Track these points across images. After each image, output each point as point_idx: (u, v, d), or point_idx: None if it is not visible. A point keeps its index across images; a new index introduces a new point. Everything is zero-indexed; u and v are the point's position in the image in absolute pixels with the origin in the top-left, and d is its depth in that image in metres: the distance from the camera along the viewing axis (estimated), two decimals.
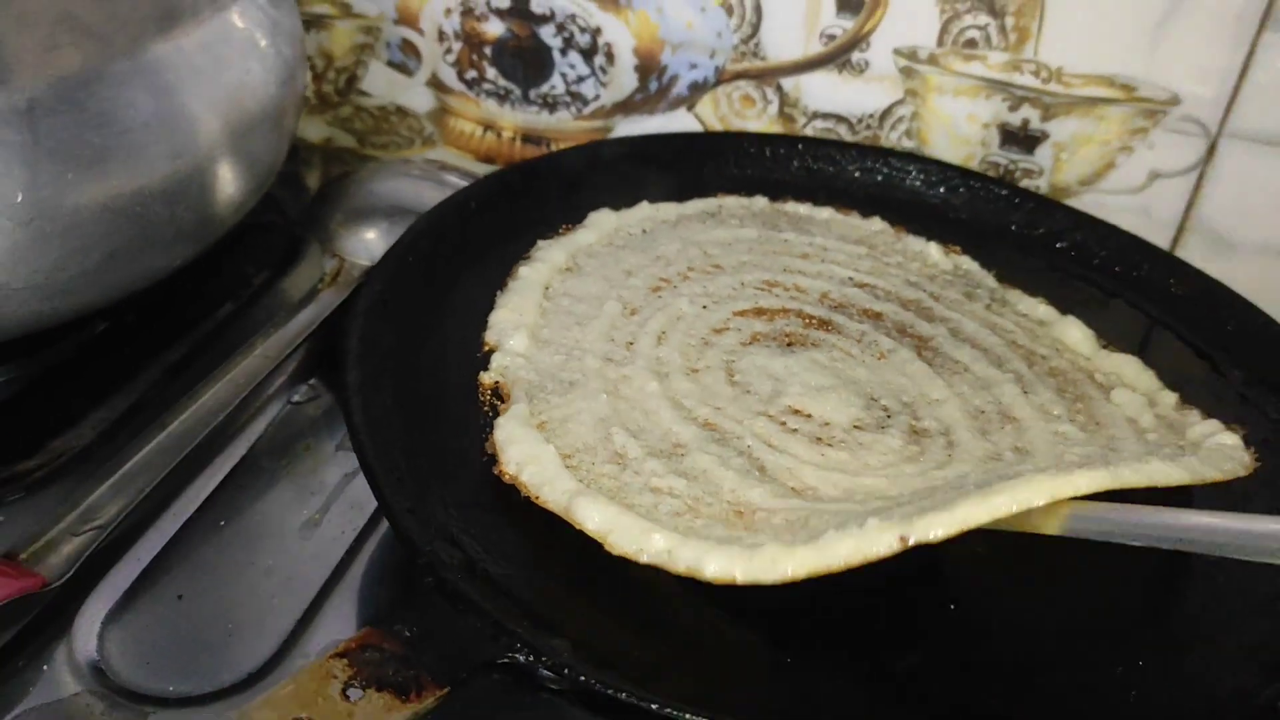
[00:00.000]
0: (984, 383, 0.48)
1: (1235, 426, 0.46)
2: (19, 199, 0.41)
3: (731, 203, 0.61)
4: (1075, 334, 0.53)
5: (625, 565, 0.38)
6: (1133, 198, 0.64)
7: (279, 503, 0.47)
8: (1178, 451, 0.42)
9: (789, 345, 0.49)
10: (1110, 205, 0.64)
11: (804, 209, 0.61)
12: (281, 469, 0.49)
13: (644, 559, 0.38)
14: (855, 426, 0.44)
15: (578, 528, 0.39)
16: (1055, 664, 0.38)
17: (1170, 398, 0.49)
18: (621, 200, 0.59)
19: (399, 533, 0.38)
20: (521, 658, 0.34)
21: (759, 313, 0.51)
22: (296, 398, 0.53)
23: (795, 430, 0.44)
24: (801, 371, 0.47)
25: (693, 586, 0.37)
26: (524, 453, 0.42)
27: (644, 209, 0.59)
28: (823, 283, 0.54)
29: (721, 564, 0.37)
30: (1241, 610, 0.40)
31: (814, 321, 0.51)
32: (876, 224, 0.60)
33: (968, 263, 0.58)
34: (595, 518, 0.39)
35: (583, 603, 0.39)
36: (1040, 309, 0.55)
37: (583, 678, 0.34)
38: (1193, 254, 0.64)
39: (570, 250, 0.55)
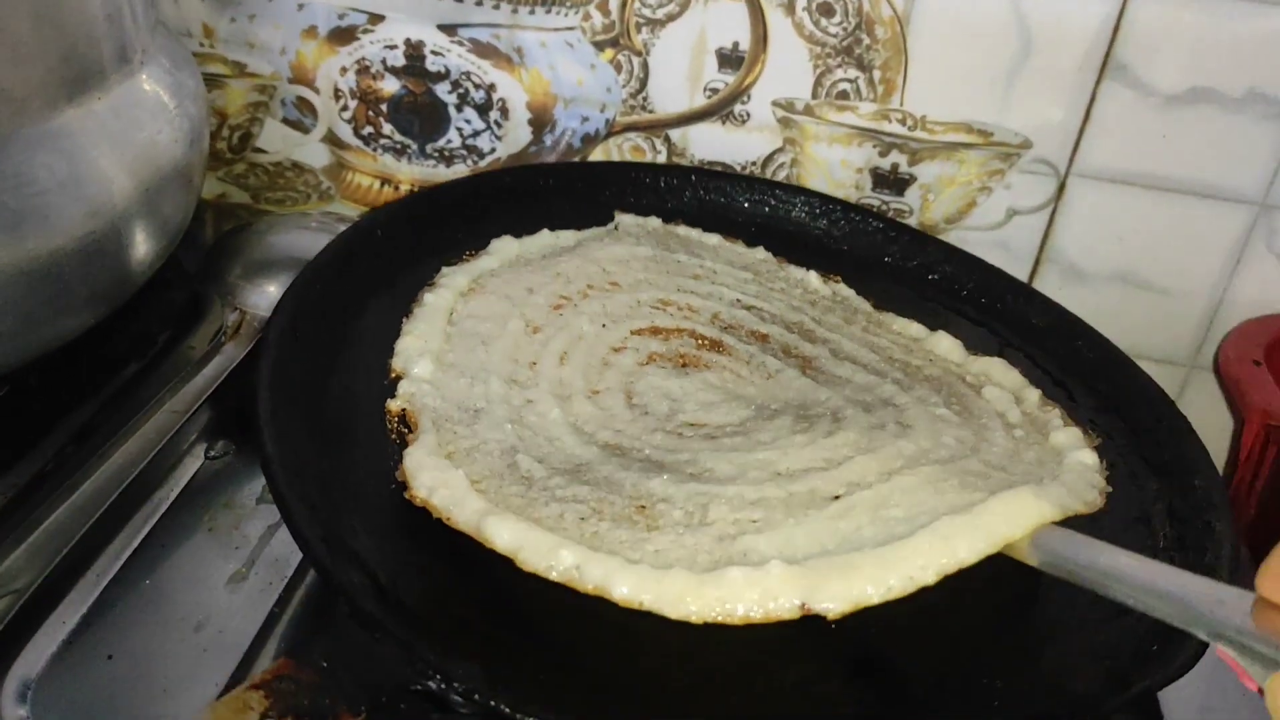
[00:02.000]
0: (865, 388, 0.51)
1: (1090, 435, 0.50)
2: None
3: (628, 220, 0.64)
4: (945, 344, 0.57)
5: (539, 589, 0.40)
6: (993, 233, 0.70)
7: (203, 558, 0.47)
8: (1042, 473, 0.45)
9: (683, 366, 0.52)
10: (973, 240, 0.70)
11: (694, 233, 0.64)
12: (203, 524, 0.49)
13: (554, 575, 0.39)
14: (743, 422, 0.48)
15: (489, 547, 0.40)
16: (930, 669, 0.41)
17: (1034, 394, 0.53)
18: (523, 227, 0.61)
19: (312, 560, 0.38)
20: (433, 684, 0.35)
21: (655, 332, 0.54)
22: (212, 453, 0.53)
23: (690, 437, 0.47)
24: (695, 392, 0.50)
25: (605, 606, 0.39)
26: (434, 478, 0.43)
27: (544, 236, 0.61)
28: (713, 303, 0.57)
29: (631, 588, 0.38)
30: (1094, 617, 0.42)
31: (706, 343, 0.54)
32: (760, 253, 0.64)
33: (845, 290, 0.62)
34: (505, 535, 0.40)
35: (496, 627, 0.39)
36: (913, 328, 0.59)
37: (493, 703, 0.34)
38: (1050, 283, 0.70)
39: (474, 275, 0.56)
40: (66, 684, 0.41)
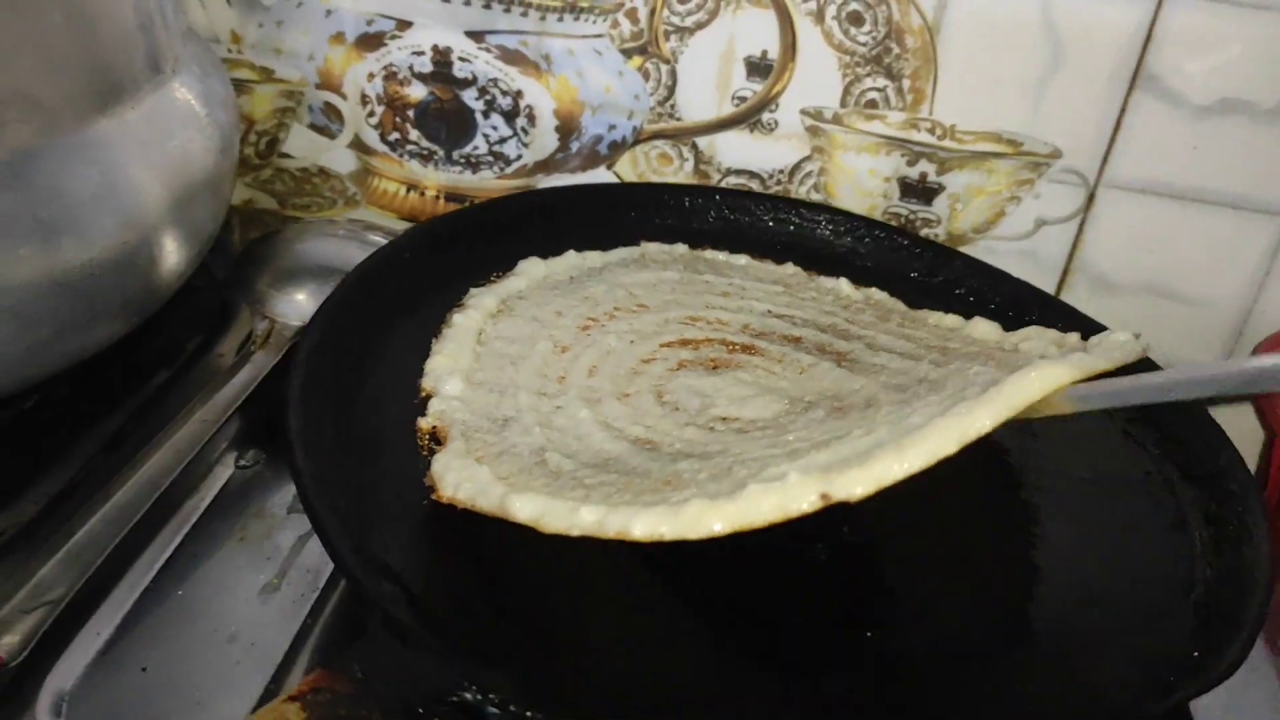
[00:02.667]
0: (901, 372, 0.50)
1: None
2: None
3: (654, 249, 0.64)
4: (983, 327, 0.56)
5: (573, 596, 0.40)
6: (1022, 243, 0.69)
7: (235, 569, 0.47)
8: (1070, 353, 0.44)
9: (714, 368, 0.52)
10: (1001, 250, 0.69)
11: (722, 255, 0.64)
12: (234, 535, 0.49)
13: (575, 532, 0.38)
14: (777, 417, 0.47)
15: (512, 521, 0.40)
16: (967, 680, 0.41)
17: (1073, 337, 0.52)
18: (548, 249, 0.61)
19: (345, 571, 0.38)
20: (469, 695, 0.35)
21: (684, 343, 0.54)
22: (243, 462, 0.53)
23: (722, 431, 0.46)
24: (727, 387, 0.50)
25: (642, 618, 0.40)
26: (460, 475, 0.43)
27: (571, 257, 0.61)
28: (743, 315, 0.56)
29: (649, 523, 0.37)
30: (1133, 624, 0.43)
31: (737, 347, 0.54)
32: (790, 268, 0.64)
33: (878, 294, 0.62)
34: (527, 509, 0.40)
35: (530, 636, 0.40)
36: (949, 319, 0.58)
37: (529, 713, 0.34)
38: (1078, 294, 0.69)
39: (502, 296, 0.57)
40: (101, 696, 0.41)
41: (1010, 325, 0.61)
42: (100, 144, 0.45)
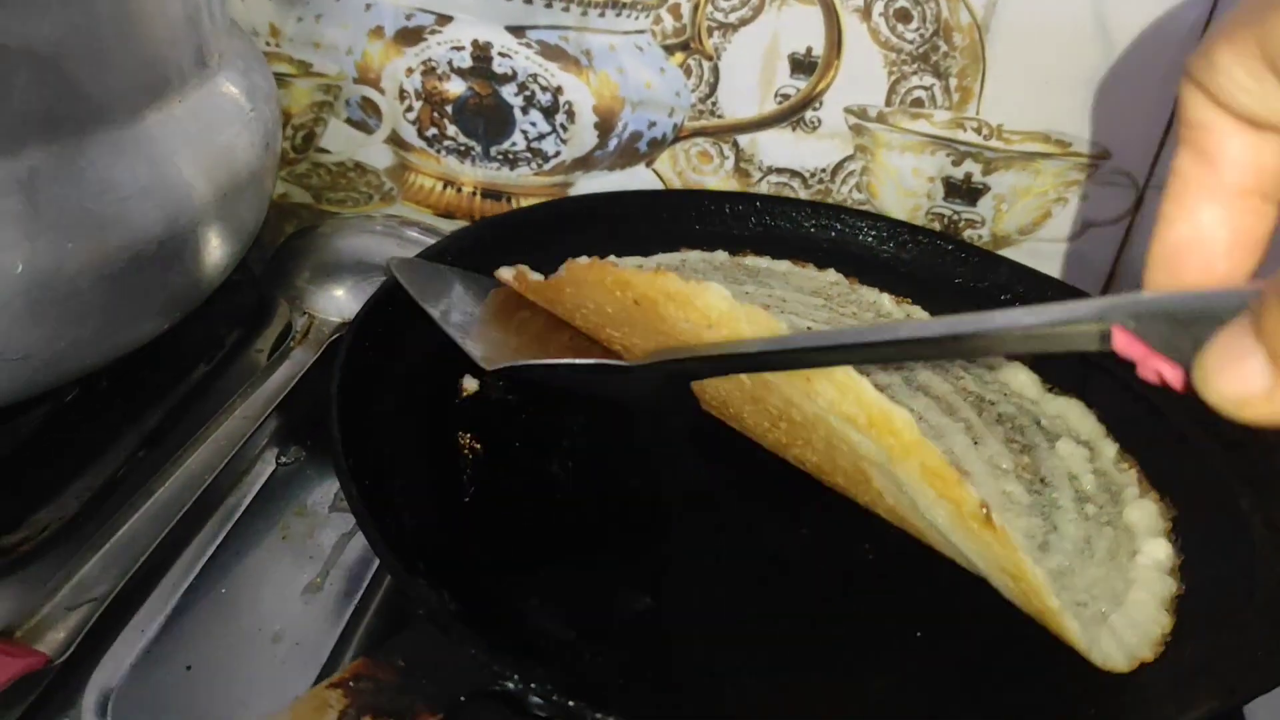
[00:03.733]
0: (937, 432, 0.50)
1: (1166, 507, 0.48)
2: (19, 270, 0.40)
3: (694, 256, 0.63)
4: (1022, 378, 0.56)
5: (614, 589, 0.42)
6: (1068, 245, 0.68)
7: (278, 567, 0.47)
8: (1108, 600, 0.43)
9: None
10: (1046, 252, 0.68)
11: (763, 262, 0.64)
12: (276, 533, 0.49)
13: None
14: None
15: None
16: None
17: (1111, 449, 0.51)
18: (588, 254, 0.60)
19: (388, 563, 0.38)
20: (511, 685, 0.35)
21: None
22: (284, 459, 0.53)
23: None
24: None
25: (686, 612, 0.41)
26: None
27: (611, 260, 0.60)
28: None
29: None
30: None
31: None
32: (832, 275, 0.63)
33: (919, 312, 0.61)
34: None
35: (571, 627, 0.40)
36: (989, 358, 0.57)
37: (571, 703, 0.34)
38: None
39: None
40: (146, 694, 0.41)
41: None
42: (148, 137, 0.45)
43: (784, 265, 0.63)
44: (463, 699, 0.35)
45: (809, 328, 0.56)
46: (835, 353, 0.36)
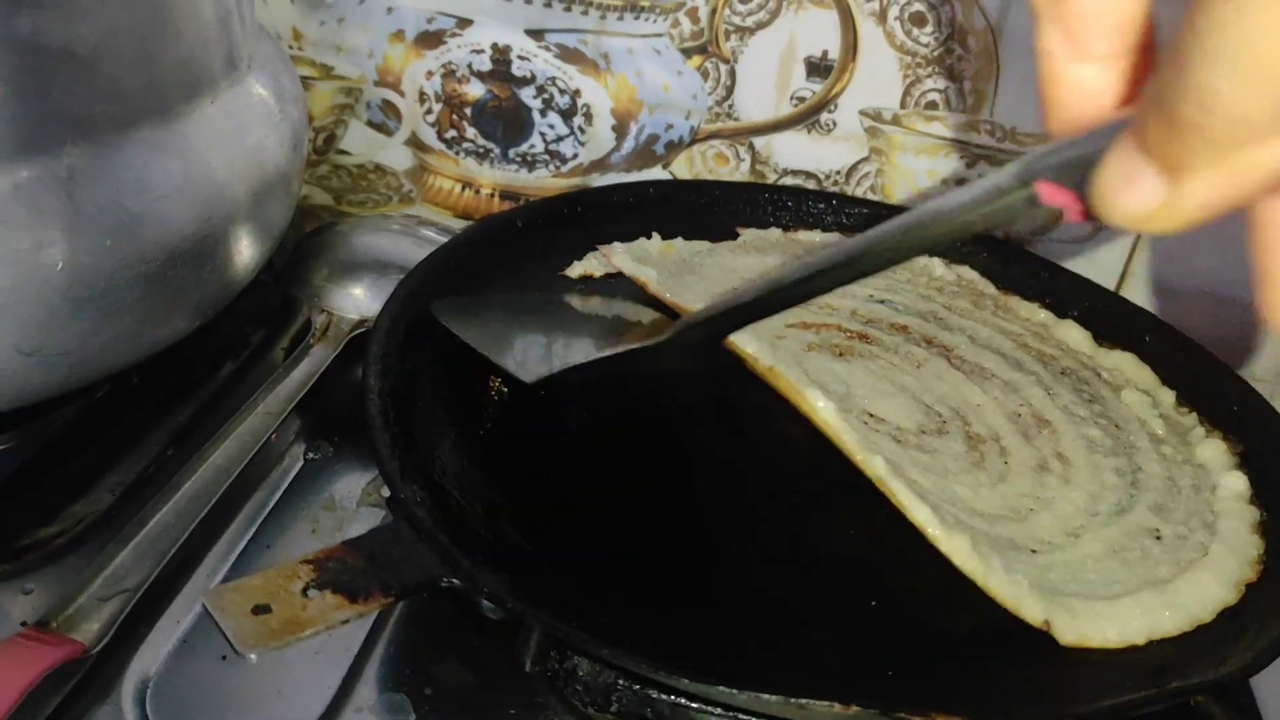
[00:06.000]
0: (1011, 386, 0.54)
1: (1232, 443, 0.51)
2: (59, 267, 0.41)
3: (750, 234, 0.65)
4: (1075, 334, 0.59)
5: (584, 526, 0.45)
6: (1080, 245, 0.69)
7: None
8: (1206, 533, 0.46)
9: (840, 355, 0.55)
10: (1059, 252, 0.69)
11: (815, 236, 0.66)
12: (306, 527, 0.49)
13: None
14: (921, 431, 0.50)
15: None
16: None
17: (1168, 396, 0.55)
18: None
19: (383, 469, 0.42)
20: (459, 582, 0.38)
21: (805, 326, 0.56)
22: (311, 454, 0.53)
23: (879, 432, 0.49)
24: (862, 377, 0.53)
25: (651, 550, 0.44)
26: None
27: (680, 243, 0.63)
28: (849, 301, 0.59)
29: None
30: None
31: (854, 335, 0.56)
32: None
33: (968, 273, 0.64)
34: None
35: (538, 556, 0.43)
36: (1040, 314, 0.60)
37: (516, 606, 0.37)
38: (1136, 297, 0.69)
39: (636, 255, 0.60)
40: (182, 684, 0.41)
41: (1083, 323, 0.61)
42: (183, 137, 0.46)
43: (834, 238, 0.65)
44: (416, 589, 0.38)
45: (869, 295, 0.60)
46: (821, 278, 0.37)
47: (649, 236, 0.62)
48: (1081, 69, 0.27)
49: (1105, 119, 0.26)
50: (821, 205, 0.67)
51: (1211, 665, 0.39)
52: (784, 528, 0.47)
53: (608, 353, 0.47)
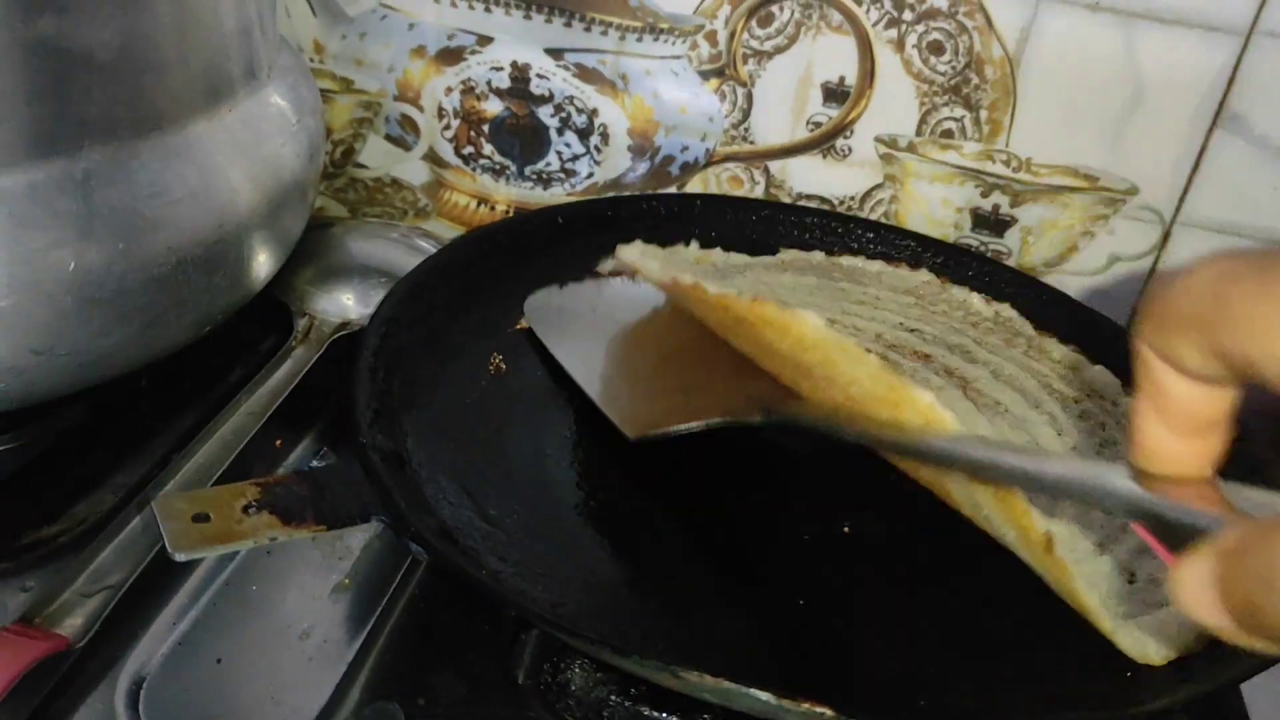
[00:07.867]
0: (1021, 422, 0.52)
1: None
2: (71, 267, 0.42)
3: (791, 255, 0.65)
4: (1104, 379, 0.57)
5: (535, 490, 0.47)
6: (1094, 279, 0.69)
7: (307, 567, 0.48)
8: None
9: None
10: (1072, 285, 0.69)
11: (859, 261, 0.65)
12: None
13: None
14: None
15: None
16: None
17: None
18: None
19: (353, 415, 0.44)
20: (386, 520, 0.41)
21: None
22: (314, 463, 0.54)
23: None
24: None
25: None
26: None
27: (718, 254, 0.63)
28: (877, 325, 0.58)
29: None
30: None
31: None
32: (924, 275, 0.64)
33: (1008, 311, 0.62)
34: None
35: (478, 514, 0.44)
36: (1073, 356, 0.59)
37: (440, 550, 0.39)
38: None
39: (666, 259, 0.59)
40: (176, 685, 0.41)
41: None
42: (200, 144, 0.46)
43: (877, 265, 0.65)
44: (346, 521, 0.41)
45: (900, 323, 0.59)
46: (915, 454, 0.40)
47: (686, 244, 0.62)
48: (1168, 437, 0.30)
49: (1195, 494, 0.29)
50: (871, 234, 0.67)
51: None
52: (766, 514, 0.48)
53: (708, 423, 0.47)
